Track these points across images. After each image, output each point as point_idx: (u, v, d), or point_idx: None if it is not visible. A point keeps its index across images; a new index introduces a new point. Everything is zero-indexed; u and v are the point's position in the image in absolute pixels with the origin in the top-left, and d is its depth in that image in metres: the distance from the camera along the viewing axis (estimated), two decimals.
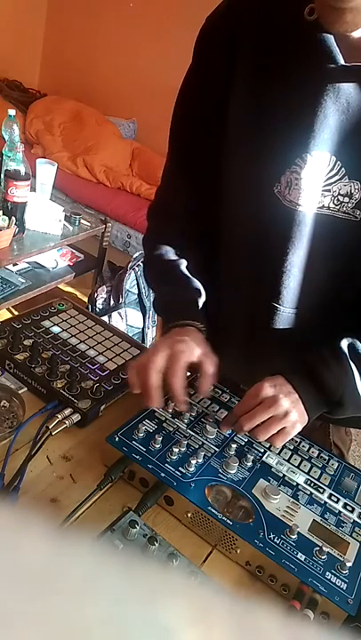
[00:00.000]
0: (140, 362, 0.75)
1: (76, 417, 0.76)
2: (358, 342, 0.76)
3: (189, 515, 0.67)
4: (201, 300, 0.88)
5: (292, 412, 0.72)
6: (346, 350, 0.75)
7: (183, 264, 0.90)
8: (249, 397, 0.75)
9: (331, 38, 0.64)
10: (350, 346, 0.76)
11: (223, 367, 0.97)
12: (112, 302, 2.51)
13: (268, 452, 0.77)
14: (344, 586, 0.61)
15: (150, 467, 0.69)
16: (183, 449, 0.72)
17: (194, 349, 0.75)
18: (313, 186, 0.71)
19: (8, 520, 0.15)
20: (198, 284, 0.89)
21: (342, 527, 0.69)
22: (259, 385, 0.74)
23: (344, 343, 0.76)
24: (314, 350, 0.77)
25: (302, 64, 0.68)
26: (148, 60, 3.54)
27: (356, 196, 0.70)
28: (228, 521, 0.65)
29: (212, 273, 0.92)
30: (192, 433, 0.77)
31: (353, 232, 0.72)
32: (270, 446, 0.78)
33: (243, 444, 0.78)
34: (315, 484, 0.74)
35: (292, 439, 0.81)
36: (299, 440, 0.81)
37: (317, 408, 0.75)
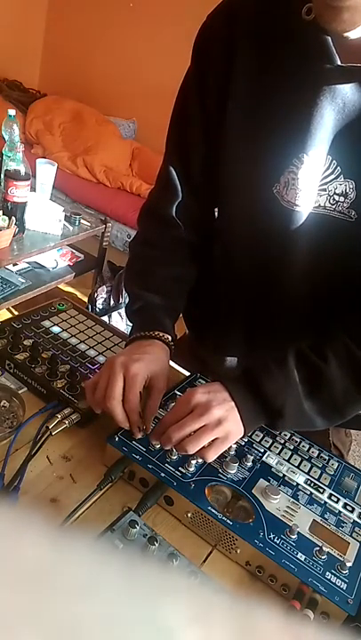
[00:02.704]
0: (100, 388, 0.70)
1: (76, 417, 0.76)
2: (310, 350, 0.72)
3: (189, 515, 0.67)
4: (175, 310, 0.83)
5: (225, 421, 0.66)
6: (293, 358, 0.71)
7: (166, 271, 0.85)
8: (180, 405, 0.69)
9: (328, 38, 0.64)
10: (299, 353, 0.72)
11: (224, 367, 0.97)
12: (112, 302, 2.51)
13: (268, 452, 0.77)
14: (344, 586, 0.61)
15: (150, 467, 0.69)
16: None
17: (149, 368, 0.71)
18: (310, 185, 0.71)
19: (8, 520, 0.15)
20: (175, 292, 0.85)
21: (342, 527, 0.69)
22: (191, 391, 0.69)
23: (292, 351, 0.72)
24: (259, 357, 0.73)
25: (300, 64, 0.68)
26: (148, 60, 3.55)
27: (351, 196, 0.70)
28: (228, 521, 0.65)
29: (211, 273, 0.92)
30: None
31: (348, 232, 0.72)
32: (270, 446, 0.78)
33: (243, 444, 0.77)
34: (315, 484, 0.74)
35: (293, 439, 0.81)
36: (299, 440, 0.81)
37: (256, 418, 0.71)
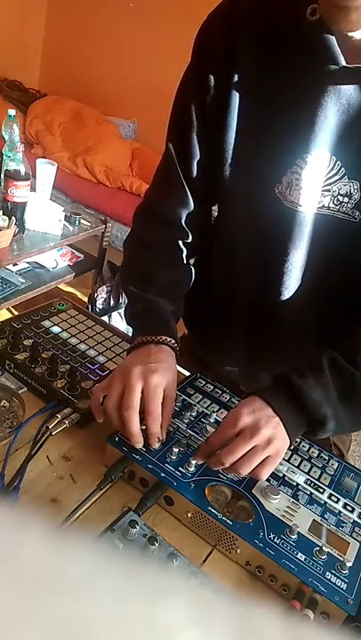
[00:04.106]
0: (112, 397, 0.69)
1: (76, 417, 0.77)
2: (339, 356, 0.71)
3: (189, 515, 0.67)
4: (177, 314, 0.83)
5: (274, 439, 0.66)
6: (327, 364, 0.71)
7: (166, 274, 0.84)
8: (226, 427, 0.68)
9: (332, 39, 0.64)
10: (330, 360, 0.71)
11: (224, 368, 0.97)
12: (112, 302, 2.51)
13: None
14: (344, 586, 0.61)
15: (150, 467, 0.69)
16: (183, 449, 0.72)
17: (166, 378, 0.71)
18: (313, 186, 0.71)
19: (8, 520, 0.15)
20: (176, 295, 0.84)
21: (342, 527, 0.69)
22: (236, 412, 0.68)
23: (325, 358, 0.71)
24: (293, 367, 0.71)
25: (304, 64, 0.68)
26: (148, 59, 3.54)
27: (356, 197, 0.70)
28: (228, 521, 0.65)
29: (212, 274, 0.91)
30: (192, 433, 0.77)
31: (352, 233, 0.72)
32: None
33: None
34: (315, 484, 0.74)
35: None
36: (299, 440, 0.81)
37: (299, 429, 0.70)
